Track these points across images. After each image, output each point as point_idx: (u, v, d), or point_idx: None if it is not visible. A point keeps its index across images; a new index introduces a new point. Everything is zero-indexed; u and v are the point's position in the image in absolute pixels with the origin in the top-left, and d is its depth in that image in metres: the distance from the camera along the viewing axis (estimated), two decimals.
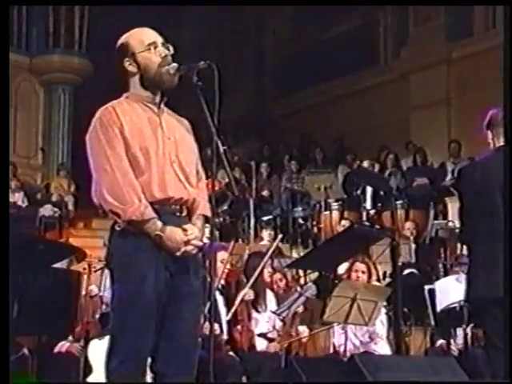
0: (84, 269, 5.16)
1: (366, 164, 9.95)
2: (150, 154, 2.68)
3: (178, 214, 2.71)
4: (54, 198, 10.90)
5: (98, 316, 5.35)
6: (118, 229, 2.67)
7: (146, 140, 2.69)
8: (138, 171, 2.66)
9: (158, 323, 2.64)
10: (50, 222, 10.14)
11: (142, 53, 2.73)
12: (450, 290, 5.11)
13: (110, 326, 2.73)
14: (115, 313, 2.70)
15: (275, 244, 5.46)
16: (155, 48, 2.73)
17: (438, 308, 5.12)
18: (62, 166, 12.02)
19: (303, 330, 5.21)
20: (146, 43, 2.74)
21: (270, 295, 5.31)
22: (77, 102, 12.57)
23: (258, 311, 5.14)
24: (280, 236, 6.14)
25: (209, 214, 2.80)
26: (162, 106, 2.80)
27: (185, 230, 2.66)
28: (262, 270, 5.14)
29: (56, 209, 10.41)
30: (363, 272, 5.12)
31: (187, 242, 2.64)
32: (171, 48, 2.79)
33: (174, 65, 2.73)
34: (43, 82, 12.65)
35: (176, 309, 2.67)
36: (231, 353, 4.83)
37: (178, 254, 2.64)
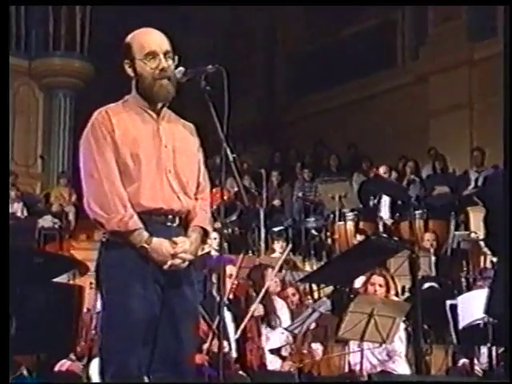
0: (90, 283, 5.15)
1: (382, 170, 9.91)
2: (141, 162, 2.68)
3: (168, 224, 2.72)
4: (54, 209, 10.93)
5: None
6: (103, 240, 2.70)
7: (139, 147, 2.69)
8: (127, 179, 2.67)
9: (150, 337, 2.65)
10: (50, 234, 10.17)
11: (140, 61, 2.73)
12: (473, 306, 5.06)
13: (100, 340, 2.76)
14: (103, 327, 2.72)
15: (284, 256, 5.45)
16: (154, 58, 2.71)
17: (461, 325, 5.08)
18: (62, 174, 12.06)
19: (317, 347, 5.19)
20: (144, 52, 2.72)
21: (284, 309, 5.30)
22: (78, 107, 12.62)
23: (271, 327, 5.12)
24: (290, 246, 6.11)
25: (207, 226, 2.80)
26: (164, 111, 2.79)
27: (174, 243, 2.66)
28: (268, 284, 5.13)
29: (56, 220, 10.44)
30: (381, 285, 5.10)
31: (174, 255, 2.64)
32: (176, 58, 2.77)
33: (181, 69, 2.74)
34: (43, 86, 12.73)
35: (169, 323, 2.68)
36: (241, 372, 4.82)
37: (165, 267, 2.64)
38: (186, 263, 2.68)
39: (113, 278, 2.67)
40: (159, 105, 2.78)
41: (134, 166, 2.67)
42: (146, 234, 2.64)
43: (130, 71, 2.76)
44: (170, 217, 2.72)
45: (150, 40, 2.75)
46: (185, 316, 2.70)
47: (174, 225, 2.73)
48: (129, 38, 2.78)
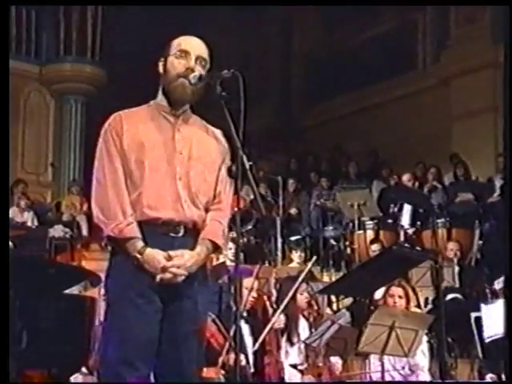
0: (103, 295, 5.15)
1: (405, 178, 9.86)
2: (145, 169, 2.69)
3: (172, 234, 2.70)
4: (65, 218, 10.96)
5: None
6: (108, 248, 2.76)
7: (145, 153, 2.70)
8: (132, 186, 2.70)
9: (149, 350, 2.65)
10: (61, 244, 10.19)
11: (172, 56, 2.79)
12: (499, 318, 5.02)
13: (101, 350, 2.80)
14: (102, 338, 2.77)
15: (308, 267, 5.42)
16: (185, 57, 2.76)
17: (486, 338, 5.04)
18: (73, 182, 12.12)
19: (336, 361, 5.16)
20: (177, 48, 2.79)
21: (303, 324, 5.27)
22: (89, 113, 12.69)
23: (291, 343, 5.10)
24: (314, 258, 6.07)
25: (217, 238, 2.77)
26: (185, 116, 2.81)
27: (169, 256, 2.65)
28: (293, 296, 5.10)
29: (67, 229, 10.47)
30: (400, 297, 5.07)
31: (164, 269, 2.63)
32: (207, 65, 2.80)
33: (196, 74, 2.74)
34: (54, 92, 12.81)
35: (169, 335, 2.69)
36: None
37: (157, 279, 2.64)
38: (182, 278, 2.66)
39: (113, 286, 2.72)
40: (180, 109, 2.79)
41: (137, 172, 2.69)
42: (140, 244, 2.65)
43: (161, 69, 2.82)
44: (172, 227, 2.70)
45: (187, 41, 2.82)
46: (184, 329, 2.71)
47: (179, 235, 2.71)
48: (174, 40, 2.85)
